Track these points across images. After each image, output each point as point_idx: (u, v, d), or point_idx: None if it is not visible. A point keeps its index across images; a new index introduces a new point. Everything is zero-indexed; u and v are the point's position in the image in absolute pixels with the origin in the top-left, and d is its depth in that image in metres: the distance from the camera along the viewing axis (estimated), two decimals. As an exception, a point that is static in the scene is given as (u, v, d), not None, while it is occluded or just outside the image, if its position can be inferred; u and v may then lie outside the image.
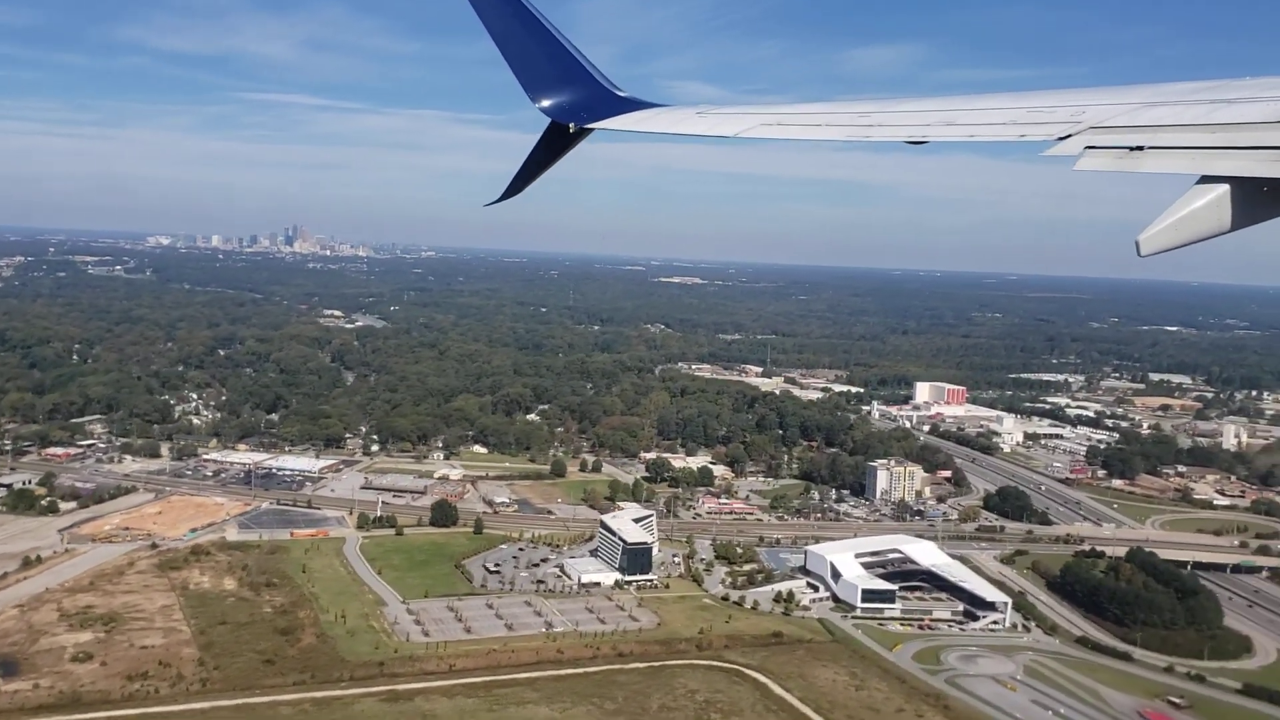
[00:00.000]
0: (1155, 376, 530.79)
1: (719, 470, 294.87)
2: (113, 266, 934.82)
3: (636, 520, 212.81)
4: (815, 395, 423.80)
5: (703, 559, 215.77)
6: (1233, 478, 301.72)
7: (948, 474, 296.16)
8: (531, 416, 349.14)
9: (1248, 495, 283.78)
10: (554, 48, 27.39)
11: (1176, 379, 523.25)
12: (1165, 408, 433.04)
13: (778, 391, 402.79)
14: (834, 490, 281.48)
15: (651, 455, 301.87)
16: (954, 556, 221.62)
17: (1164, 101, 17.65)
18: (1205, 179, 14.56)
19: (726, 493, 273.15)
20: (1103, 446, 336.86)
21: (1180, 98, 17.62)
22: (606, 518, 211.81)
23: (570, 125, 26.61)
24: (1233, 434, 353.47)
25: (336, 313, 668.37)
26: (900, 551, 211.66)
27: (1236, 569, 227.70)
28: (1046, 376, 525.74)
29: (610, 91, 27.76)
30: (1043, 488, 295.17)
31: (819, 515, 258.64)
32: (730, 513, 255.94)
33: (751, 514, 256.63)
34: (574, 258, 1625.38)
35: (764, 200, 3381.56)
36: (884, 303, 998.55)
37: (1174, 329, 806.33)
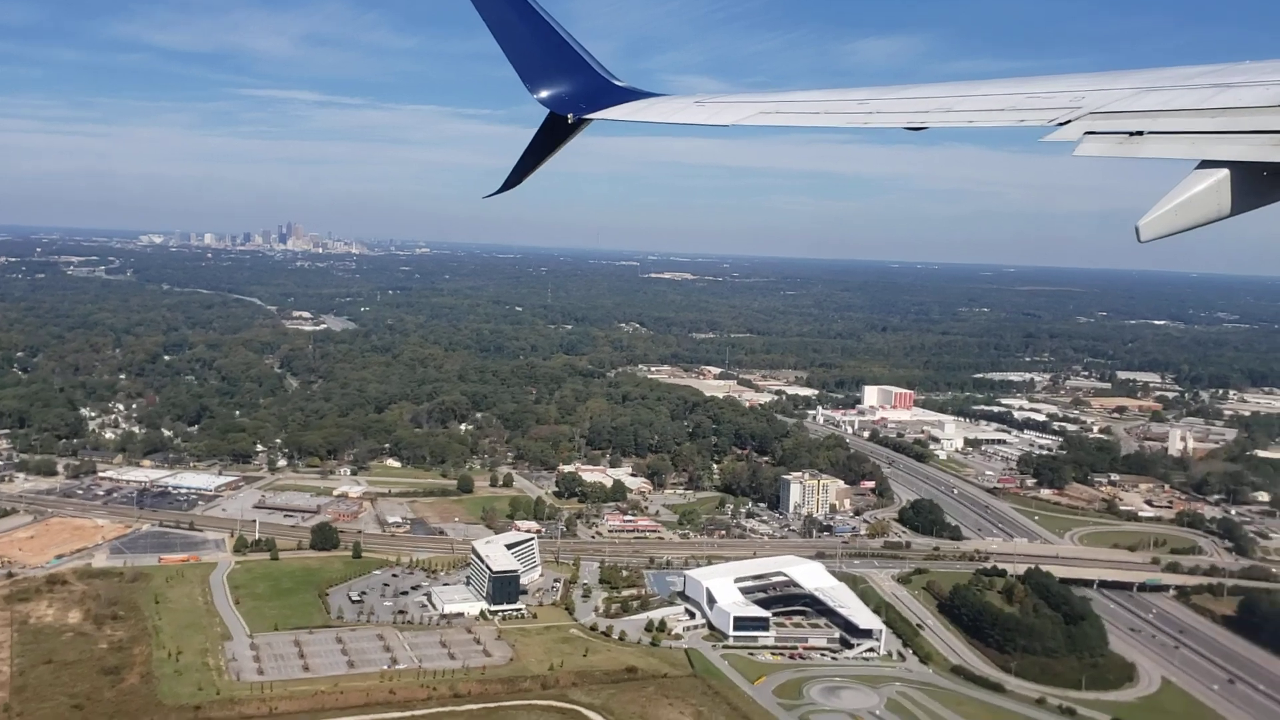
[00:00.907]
0: (1123, 375, 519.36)
1: (638, 483, 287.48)
2: (95, 267, 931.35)
3: (512, 545, 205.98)
4: (767, 399, 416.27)
5: (585, 584, 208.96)
6: (1166, 486, 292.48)
7: (872, 484, 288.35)
8: (465, 426, 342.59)
9: (1176, 506, 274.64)
10: (551, 38, 27.69)
11: (1144, 377, 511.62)
12: (1122, 409, 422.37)
13: (721, 396, 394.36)
14: (750, 503, 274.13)
15: (570, 468, 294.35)
16: (853, 576, 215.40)
17: (1164, 86, 17.65)
18: (1205, 164, 14.56)
19: (635, 509, 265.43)
20: (1041, 453, 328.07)
21: (1180, 82, 17.63)
22: (478, 543, 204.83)
23: (569, 116, 26.70)
24: (1178, 439, 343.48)
25: (305, 314, 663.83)
26: (785, 574, 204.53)
27: (1143, 587, 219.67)
28: (1013, 376, 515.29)
29: (608, 81, 27.95)
30: (955, 492, 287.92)
31: (724, 532, 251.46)
32: (634, 531, 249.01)
33: (655, 532, 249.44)
34: (569, 253, 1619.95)
35: (762, 193, 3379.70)
36: (873, 298, 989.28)
37: (1161, 323, 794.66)
